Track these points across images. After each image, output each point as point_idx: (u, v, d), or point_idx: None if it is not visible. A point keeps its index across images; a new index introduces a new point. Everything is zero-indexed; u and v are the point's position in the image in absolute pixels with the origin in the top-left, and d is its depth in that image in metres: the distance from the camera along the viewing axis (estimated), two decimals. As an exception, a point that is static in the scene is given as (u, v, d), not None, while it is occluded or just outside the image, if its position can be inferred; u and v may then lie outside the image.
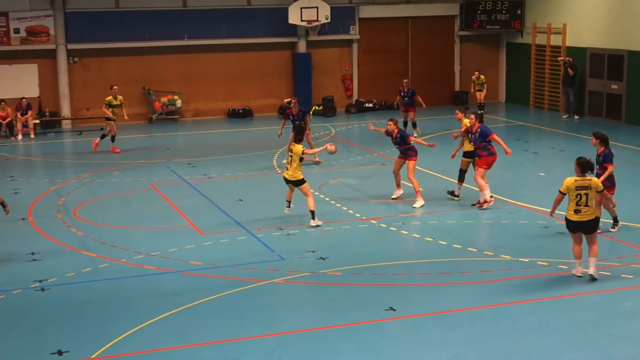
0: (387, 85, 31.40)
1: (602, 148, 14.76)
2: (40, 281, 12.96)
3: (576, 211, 12.27)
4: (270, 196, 18.35)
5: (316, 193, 18.30)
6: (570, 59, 28.33)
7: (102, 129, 26.23)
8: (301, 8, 29.59)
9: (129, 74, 29.37)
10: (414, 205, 16.95)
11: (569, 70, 28.18)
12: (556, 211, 12.86)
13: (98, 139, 24.03)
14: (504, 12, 31.97)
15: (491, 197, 16.92)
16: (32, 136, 26.83)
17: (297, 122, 20.50)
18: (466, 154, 17.39)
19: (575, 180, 12.29)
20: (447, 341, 10.51)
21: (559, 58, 29.27)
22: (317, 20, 29.85)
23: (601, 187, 12.39)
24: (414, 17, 32.14)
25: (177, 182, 19.97)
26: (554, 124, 27.61)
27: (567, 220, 12.46)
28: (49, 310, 11.85)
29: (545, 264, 13.38)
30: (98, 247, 14.68)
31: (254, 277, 12.93)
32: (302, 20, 29.74)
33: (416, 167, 17.25)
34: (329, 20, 29.97)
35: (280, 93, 31.04)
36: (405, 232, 15.32)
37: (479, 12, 32.15)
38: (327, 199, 17.82)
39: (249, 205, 17.62)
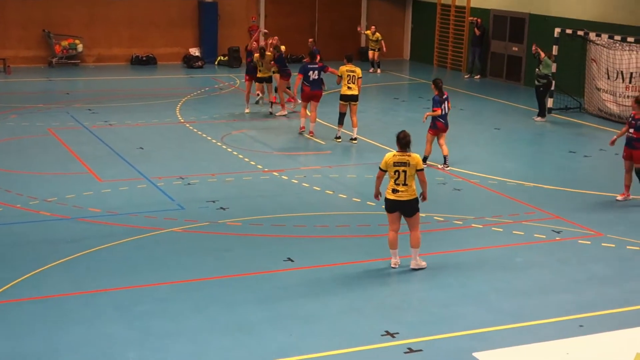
0: (293, 38, 31.24)
1: (436, 93, 16.31)
2: None
3: (394, 190, 11.19)
4: (171, 145, 18.19)
5: (218, 144, 18.24)
6: (478, 20, 28.72)
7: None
8: (209, -45, 29.17)
9: (29, 16, 28.44)
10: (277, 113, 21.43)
11: (476, 30, 28.60)
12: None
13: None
14: (411, -30, 32.14)
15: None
16: None
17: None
18: (342, 97, 18.64)
19: (394, 155, 11.23)
20: (342, 292, 10.65)
21: (470, 18, 29.59)
22: (225, -31, 29.46)
23: (421, 165, 11.26)
24: (323, -29, 32.04)
25: (76, 128, 19.55)
26: (456, 83, 28.04)
27: (385, 199, 11.40)
28: (-62, 255, 11.54)
29: (441, 219, 13.68)
30: (-9, 192, 14.31)
31: (153, 226, 12.83)
32: (209, -32, 29.31)
33: (286, 86, 21.58)
34: (237, -31, 29.63)
35: (186, 42, 30.61)
36: (307, 185, 15.41)
37: (387, -32, 32.24)
38: (230, 150, 17.75)
39: (150, 153, 17.41)
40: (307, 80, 18.95)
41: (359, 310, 10.14)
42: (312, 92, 19.01)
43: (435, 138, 16.70)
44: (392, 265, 11.45)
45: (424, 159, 16.62)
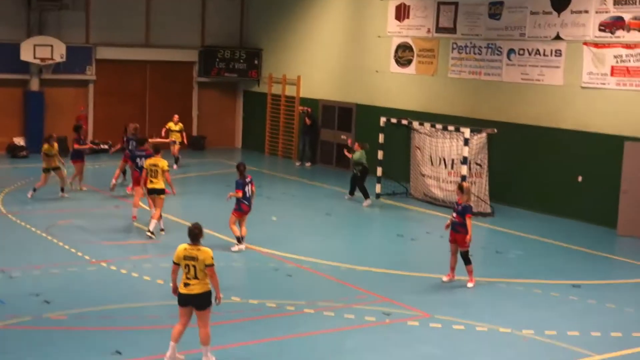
0: (123, 128, 30.90)
1: (238, 176, 17.04)
2: None
3: (185, 284, 10.79)
4: (-8, 237, 17.43)
5: (43, 234, 17.61)
6: (309, 109, 29.44)
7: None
8: (34, 45, 28.54)
9: None
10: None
11: (307, 119, 29.26)
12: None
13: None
14: (241, 61, 32.68)
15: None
16: None
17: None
18: (150, 191, 18.01)
19: (185, 249, 10.86)
20: (173, 383, 10.39)
21: (300, 108, 30.21)
22: (52, 59, 28.91)
23: (210, 261, 10.76)
24: (152, 61, 32.00)
25: None
26: (287, 170, 28.46)
27: (178, 293, 10.99)
28: None
29: (274, 305, 13.65)
30: None
31: (-30, 322, 12.13)
32: (35, 58, 28.65)
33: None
34: (64, 59, 29.12)
35: (10, 132, 29.64)
36: (136, 275, 15.06)
37: (217, 60, 32.61)
38: (55, 241, 17.14)
39: (-31, 246, 16.59)
40: (136, 166, 19.62)
41: (190, 402, 9.88)
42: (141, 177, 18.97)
43: (238, 220, 17.15)
44: (166, 359, 10.85)
45: (239, 239, 16.97)
